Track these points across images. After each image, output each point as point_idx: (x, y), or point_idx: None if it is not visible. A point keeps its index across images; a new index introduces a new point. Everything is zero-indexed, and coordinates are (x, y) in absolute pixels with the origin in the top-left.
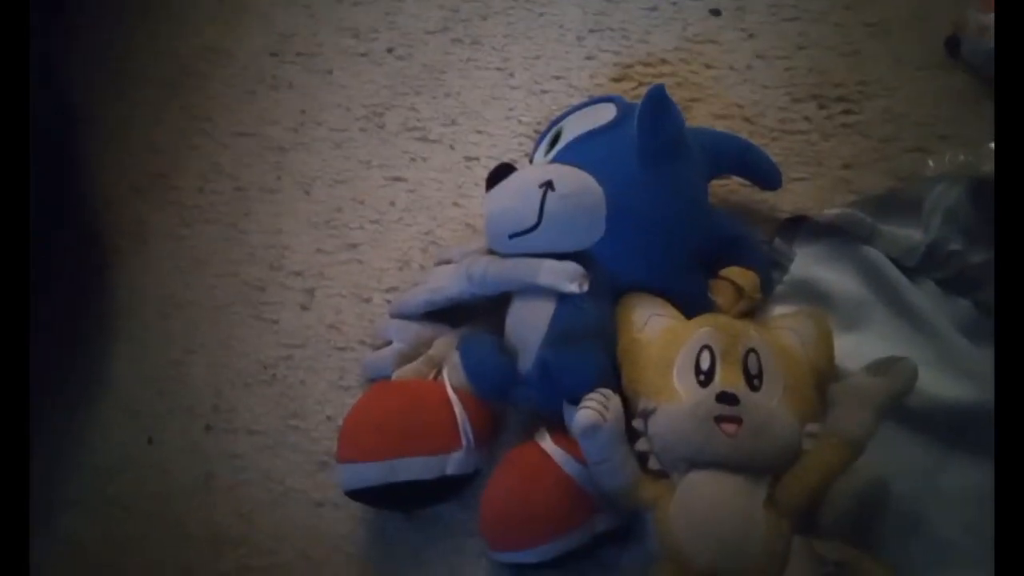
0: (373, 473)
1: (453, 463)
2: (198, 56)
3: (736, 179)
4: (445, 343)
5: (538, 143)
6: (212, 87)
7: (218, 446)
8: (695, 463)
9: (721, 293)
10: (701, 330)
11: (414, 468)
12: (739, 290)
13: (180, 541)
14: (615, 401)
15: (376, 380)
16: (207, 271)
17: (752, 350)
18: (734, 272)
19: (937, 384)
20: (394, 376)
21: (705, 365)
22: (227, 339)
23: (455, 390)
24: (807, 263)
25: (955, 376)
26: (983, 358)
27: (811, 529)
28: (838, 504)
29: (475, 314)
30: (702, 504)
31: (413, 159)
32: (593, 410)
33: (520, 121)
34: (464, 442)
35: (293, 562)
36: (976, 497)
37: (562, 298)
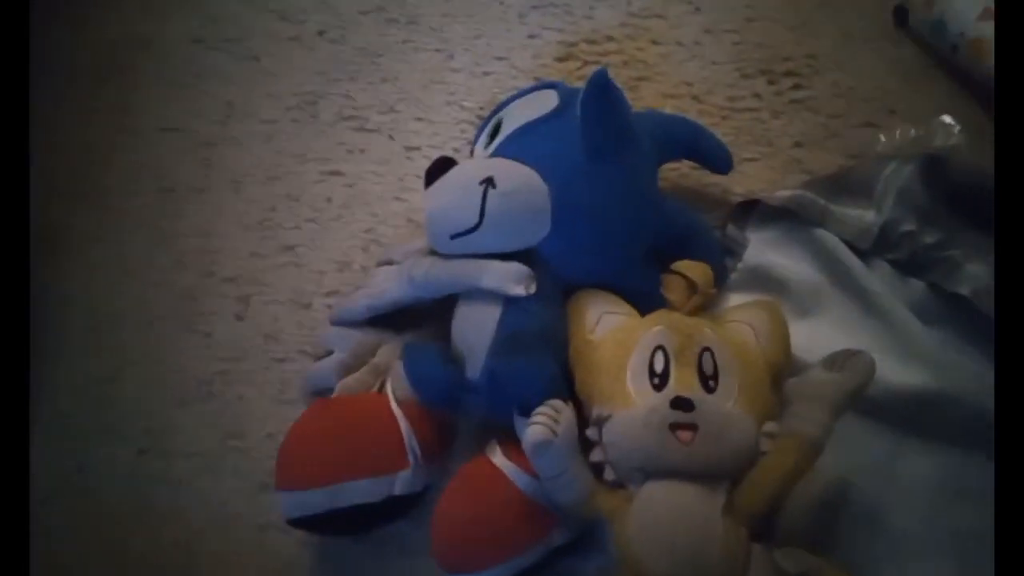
0: (314, 500)
1: (400, 483)
2: (123, 45)
3: (686, 163)
4: (389, 350)
5: (478, 134)
6: (136, 79)
7: (153, 471)
8: (651, 472)
9: (673, 289)
10: (654, 329)
11: (358, 491)
12: (692, 285)
13: (117, 572)
14: (566, 413)
15: (319, 392)
16: (135, 279)
17: (707, 349)
18: (686, 266)
19: (892, 371)
20: (337, 388)
21: (659, 367)
22: (158, 354)
23: (400, 403)
24: (761, 249)
25: (910, 362)
26: (937, 341)
27: (770, 534)
28: (798, 509)
29: (420, 319)
30: (659, 516)
31: (350, 151)
32: (543, 426)
33: (462, 106)
34: (411, 460)
35: None
36: (932, 486)
37: (508, 301)
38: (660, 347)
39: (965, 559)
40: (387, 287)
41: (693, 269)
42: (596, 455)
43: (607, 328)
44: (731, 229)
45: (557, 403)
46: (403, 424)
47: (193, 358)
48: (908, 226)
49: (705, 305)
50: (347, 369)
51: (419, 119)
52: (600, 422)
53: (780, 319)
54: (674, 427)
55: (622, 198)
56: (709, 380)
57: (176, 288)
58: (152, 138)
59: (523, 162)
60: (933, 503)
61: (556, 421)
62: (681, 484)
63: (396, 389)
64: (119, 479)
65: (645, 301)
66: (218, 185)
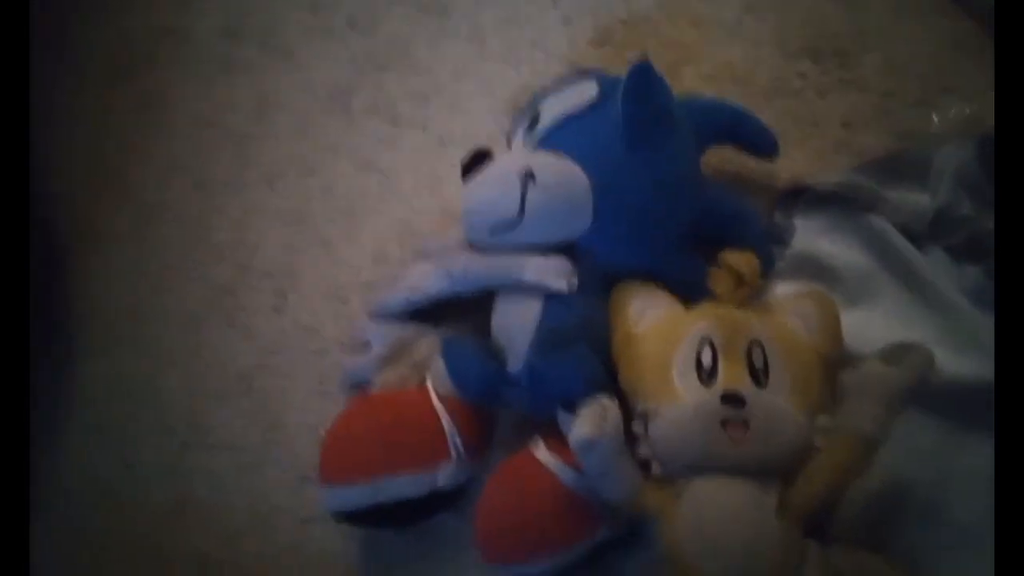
0: (357, 495)
1: (443, 476)
2: (150, 38)
3: (730, 147)
4: (428, 345)
5: (515, 125)
6: (165, 73)
7: (196, 465)
8: (700, 469)
9: (720, 281)
10: (701, 323)
11: (401, 486)
12: (738, 276)
13: (161, 569)
14: (613, 411)
15: (357, 386)
16: (172, 275)
17: (756, 342)
18: (732, 256)
19: (950, 361)
20: (377, 383)
21: (707, 361)
22: (198, 349)
23: (441, 398)
24: (809, 236)
25: (967, 351)
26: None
27: (824, 530)
28: (853, 507)
29: (459, 313)
30: (711, 515)
31: (383, 143)
32: (590, 424)
33: (495, 96)
34: (454, 454)
35: None
36: (990, 478)
37: (549, 295)
38: (707, 340)
39: None
40: (425, 281)
41: (739, 259)
42: (643, 451)
43: (651, 321)
44: (778, 216)
45: (603, 399)
46: (445, 419)
47: (232, 352)
48: (965, 210)
49: (752, 295)
50: (385, 363)
51: (452, 110)
52: (646, 417)
53: (831, 309)
54: (725, 423)
55: (664, 190)
56: (759, 374)
57: (213, 283)
58: (185, 132)
59: (563, 155)
60: (991, 495)
61: (603, 419)
62: (732, 482)
63: (437, 384)
64: (162, 473)
65: (690, 292)
66: (253, 179)
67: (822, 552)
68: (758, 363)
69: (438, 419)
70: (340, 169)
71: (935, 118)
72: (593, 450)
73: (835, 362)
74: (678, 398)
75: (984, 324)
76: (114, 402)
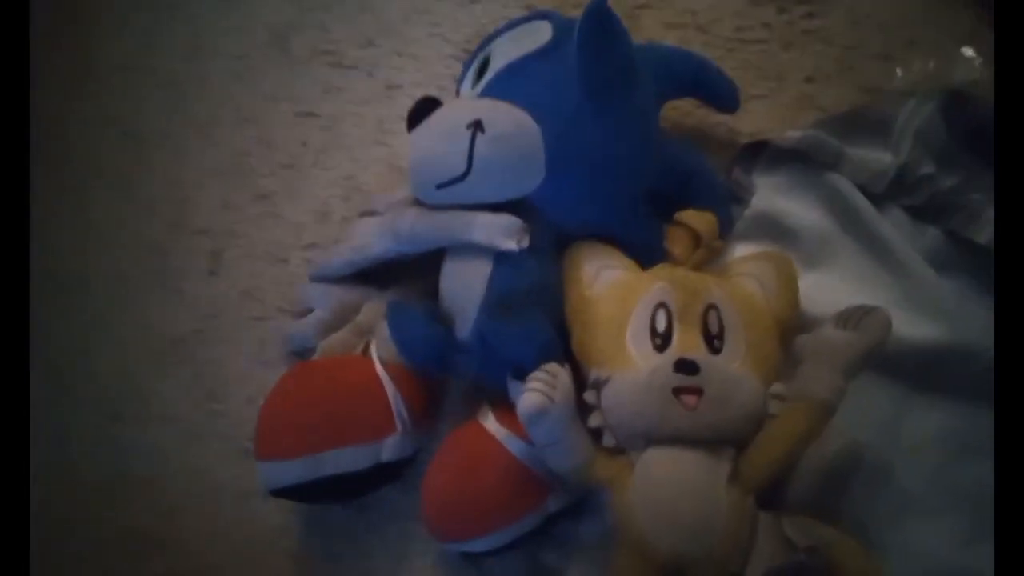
0: (296, 470)
1: (388, 449)
2: None
3: (690, 100)
4: (373, 308)
5: (464, 71)
6: (83, 14)
7: (130, 438)
8: (653, 439)
9: (677, 242)
10: (656, 286)
11: (343, 460)
12: (696, 237)
13: (97, 547)
14: (563, 378)
15: (299, 353)
16: (99, 234)
17: (712, 306)
18: (691, 216)
19: (904, 324)
20: (319, 349)
21: (661, 326)
22: (128, 314)
23: (386, 365)
24: (769, 194)
25: (923, 314)
26: (953, 292)
27: (779, 501)
28: (807, 476)
29: (405, 274)
30: (661, 484)
31: (327, 90)
32: (539, 392)
33: (446, 39)
34: (399, 425)
35: (225, 563)
36: (938, 443)
37: (500, 255)
38: (662, 304)
39: (970, 516)
40: (370, 240)
41: (698, 219)
42: (595, 420)
43: (606, 283)
44: (737, 173)
45: (553, 367)
46: (389, 388)
47: (165, 317)
48: (926, 169)
49: (710, 258)
50: (328, 328)
51: (400, 54)
52: (599, 385)
53: (789, 272)
54: (678, 391)
55: (622, 141)
56: (714, 339)
57: (144, 242)
58: (110, 78)
59: (514, 103)
60: (938, 460)
61: (552, 387)
62: (684, 451)
63: (381, 351)
64: (95, 448)
65: (646, 254)
66: (185, 129)
67: (775, 522)
68: (714, 328)
69: (382, 388)
70: (280, 118)
71: (899, 72)
72: (543, 420)
73: (790, 326)
74: (631, 365)
75: (941, 287)
76: (38, 370)
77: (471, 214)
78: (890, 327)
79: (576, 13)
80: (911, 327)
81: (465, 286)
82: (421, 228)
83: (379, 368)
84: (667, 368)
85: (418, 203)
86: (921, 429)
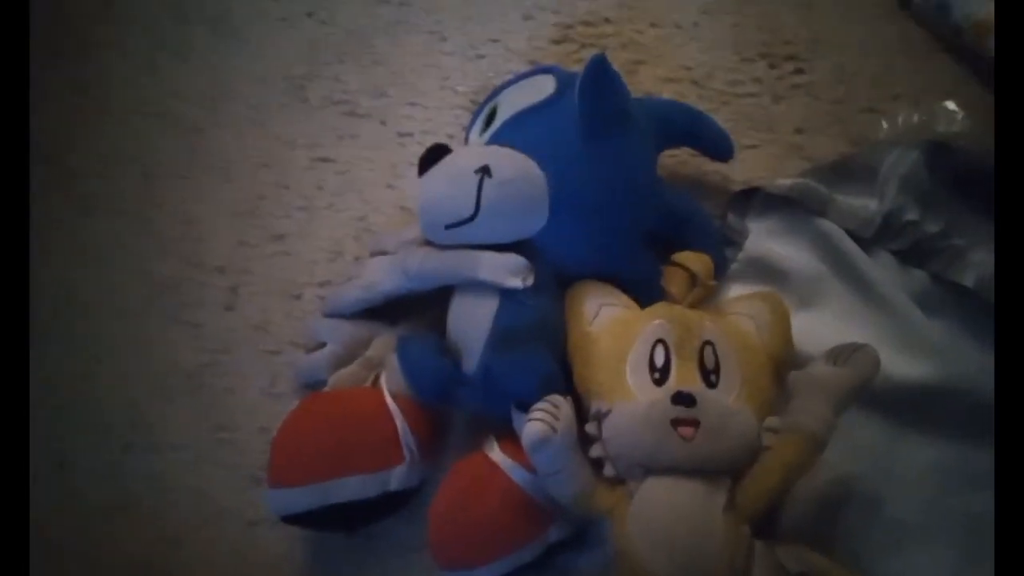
0: (305, 498)
1: (395, 479)
2: (87, 18)
3: (686, 149)
4: (383, 343)
5: (473, 120)
6: (106, 55)
7: (139, 467)
8: (651, 469)
9: (674, 281)
10: (654, 323)
11: (351, 488)
12: (692, 277)
13: (104, 572)
14: (565, 409)
15: (310, 386)
16: (113, 268)
17: (708, 342)
18: (687, 257)
19: (893, 363)
20: (330, 382)
21: (660, 361)
22: (143, 346)
23: (395, 397)
24: (761, 238)
25: (912, 353)
26: (940, 332)
27: (773, 531)
28: (800, 505)
29: (414, 310)
30: (659, 514)
31: (341, 136)
32: (542, 422)
33: (455, 91)
34: (406, 455)
35: None
36: (932, 476)
37: (505, 293)
38: (661, 340)
39: (962, 546)
40: (380, 278)
41: (693, 260)
42: (596, 451)
43: (606, 320)
44: (731, 218)
45: (556, 398)
46: (398, 419)
47: (181, 350)
48: (911, 215)
49: (706, 297)
50: (339, 362)
51: (411, 104)
52: (599, 417)
53: (782, 311)
54: (675, 423)
55: (621, 185)
56: (711, 374)
57: (160, 278)
58: (132, 120)
59: (520, 150)
60: (933, 492)
61: (555, 417)
62: (681, 481)
63: (390, 383)
64: (103, 476)
65: (645, 292)
66: (203, 171)
67: (770, 550)
68: (709, 364)
69: (391, 419)
70: (295, 162)
71: (884, 124)
72: (546, 449)
73: (785, 364)
74: (631, 397)
75: (928, 327)
76: (52, 398)
77: (478, 253)
78: (878, 364)
79: (577, 68)
80: (900, 365)
81: (472, 322)
82: (430, 266)
83: (388, 400)
84: (666, 401)
85: (427, 243)
86: (915, 462)
